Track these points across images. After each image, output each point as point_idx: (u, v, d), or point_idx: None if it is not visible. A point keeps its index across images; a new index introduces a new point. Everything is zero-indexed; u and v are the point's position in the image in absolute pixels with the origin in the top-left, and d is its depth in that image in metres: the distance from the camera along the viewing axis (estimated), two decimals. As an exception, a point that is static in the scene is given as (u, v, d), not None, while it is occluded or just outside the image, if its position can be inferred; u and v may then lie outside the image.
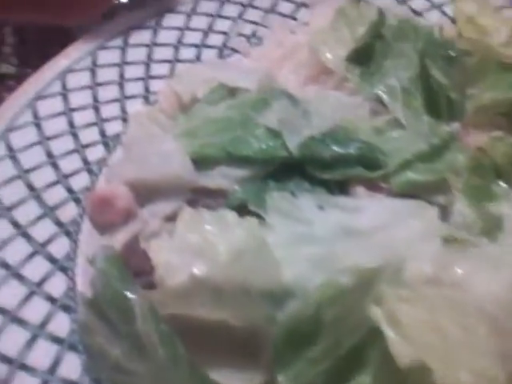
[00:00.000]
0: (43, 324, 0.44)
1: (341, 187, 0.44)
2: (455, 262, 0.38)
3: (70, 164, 0.55)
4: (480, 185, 0.43)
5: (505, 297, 0.36)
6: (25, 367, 0.42)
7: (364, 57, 0.56)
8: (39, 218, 0.51)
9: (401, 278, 0.34)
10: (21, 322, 0.44)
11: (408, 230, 0.39)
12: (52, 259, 0.48)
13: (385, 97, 0.52)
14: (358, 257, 0.36)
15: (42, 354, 0.43)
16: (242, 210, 0.45)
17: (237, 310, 0.36)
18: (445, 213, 0.42)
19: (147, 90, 0.63)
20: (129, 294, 0.36)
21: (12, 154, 0.56)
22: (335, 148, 0.44)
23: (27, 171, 0.54)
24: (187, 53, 0.67)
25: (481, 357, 0.30)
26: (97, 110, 0.60)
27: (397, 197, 0.43)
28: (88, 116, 0.60)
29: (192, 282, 0.36)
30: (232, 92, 0.55)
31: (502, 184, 0.44)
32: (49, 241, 0.50)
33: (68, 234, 0.50)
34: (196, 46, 0.67)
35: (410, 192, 0.43)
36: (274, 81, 0.55)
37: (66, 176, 0.55)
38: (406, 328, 0.30)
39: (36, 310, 0.45)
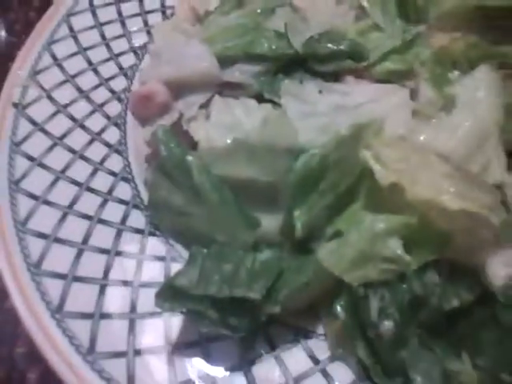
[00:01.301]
0: (110, 191, 0.58)
1: (335, 77, 0.57)
2: (421, 128, 0.52)
3: (108, 70, 0.67)
4: (440, 72, 0.57)
5: (458, 151, 0.50)
6: (101, 221, 0.56)
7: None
8: (91, 113, 0.63)
9: (382, 135, 0.48)
10: (92, 190, 0.58)
11: (386, 104, 0.52)
12: (108, 144, 0.61)
13: (366, 4, 0.64)
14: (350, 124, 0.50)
15: (113, 212, 0.56)
16: (259, 98, 0.58)
17: (264, 167, 0.50)
18: (414, 94, 0.55)
19: (163, 4, 0.73)
20: (187, 156, 0.50)
21: (57, 62, 0.66)
22: (330, 45, 0.57)
23: (73, 76, 0.66)
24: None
25: (439, 179, 0.44)
26: (123, 23, 0.71)
27: (377, 83, 0.56)
28: (116, 29, 0.70)
29: (230, 145, 0.50)
30: (240, 2, 0.66)
31: (457, 72, 0.57)
32: (102, 130, 0.62)
33: (117, 125, 0.63)
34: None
35: (388, 78, 0.56)
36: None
37: (107, 79, 0.66)
38: (387, 163, 0.44)
39: (102, 182, 0.58)
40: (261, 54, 0.58)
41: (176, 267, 0.51)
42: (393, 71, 0.56)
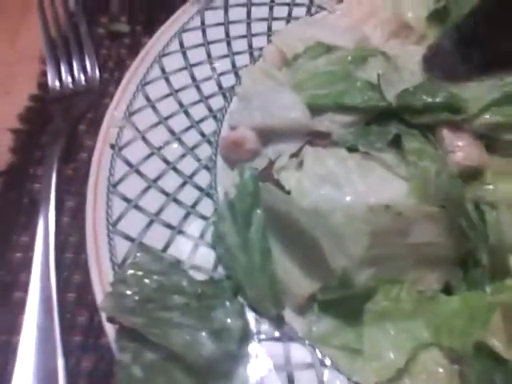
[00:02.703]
0: (201, 235, 0.59)
1: (430, 130, 0.56)
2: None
3: (198, 112, 0.69)
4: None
5: None
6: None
7: (442, 16, 0.66)
8: (183, 155, 0.65)
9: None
10: (184, 233, 0.59)
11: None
12: (199, 188, 0.63)
13: (461, 52, 0.62)
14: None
15: (204, 257, 0.58)
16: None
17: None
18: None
19: (250, 46, 0.75)
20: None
21: (151, 103, 0.69)
22: (425, 97, 0.56)
23: (166, 118, 0.68)
24: (280, 11, 0.77)
25: None
26: (212, 64, 0.73)
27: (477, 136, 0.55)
28: (205, 70, 0.72)
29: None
30: (329, 49, 0.67)
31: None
32: (194, 173, 0.64)
33: (207, 168, 0.64)
34: (287, 4, 0.78)
35: (487, 131, 0.55)
36: (367, 39, 0.66)
37: (197, 122, 0.68)
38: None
39: (194, 226, 0.60)
40: (353, 105, 0.58)
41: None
42: (493, 123, 0.55)
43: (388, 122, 0.57)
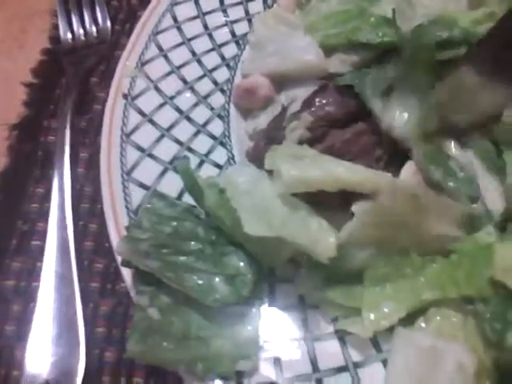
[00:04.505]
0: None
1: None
2: None
3: (211, 60, 0.68)
4: None
5: None
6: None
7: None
8: (196, 104, 0.64)
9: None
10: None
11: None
12: (213, 136, 0.62)
13: (483, -9, 0.60)
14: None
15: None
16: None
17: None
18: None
19: (265, -9, 0.73)
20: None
21: (163, 53, 0.68)
22: (441, 33, 0.54)
23: (179, 67, 0.67)
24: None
25: None
26: (225, 12, 0.71)
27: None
28: (218, 19, 0.71)
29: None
30: (342, -13, 0.65)
31: None
32: (207, 122, 0.63)
33: (220, 117, 0.64)
34: None
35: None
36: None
37: (210, 70, 0.67)
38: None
39: (207, 170, 0.60)
40: (366, 41, 0.57)
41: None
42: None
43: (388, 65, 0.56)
